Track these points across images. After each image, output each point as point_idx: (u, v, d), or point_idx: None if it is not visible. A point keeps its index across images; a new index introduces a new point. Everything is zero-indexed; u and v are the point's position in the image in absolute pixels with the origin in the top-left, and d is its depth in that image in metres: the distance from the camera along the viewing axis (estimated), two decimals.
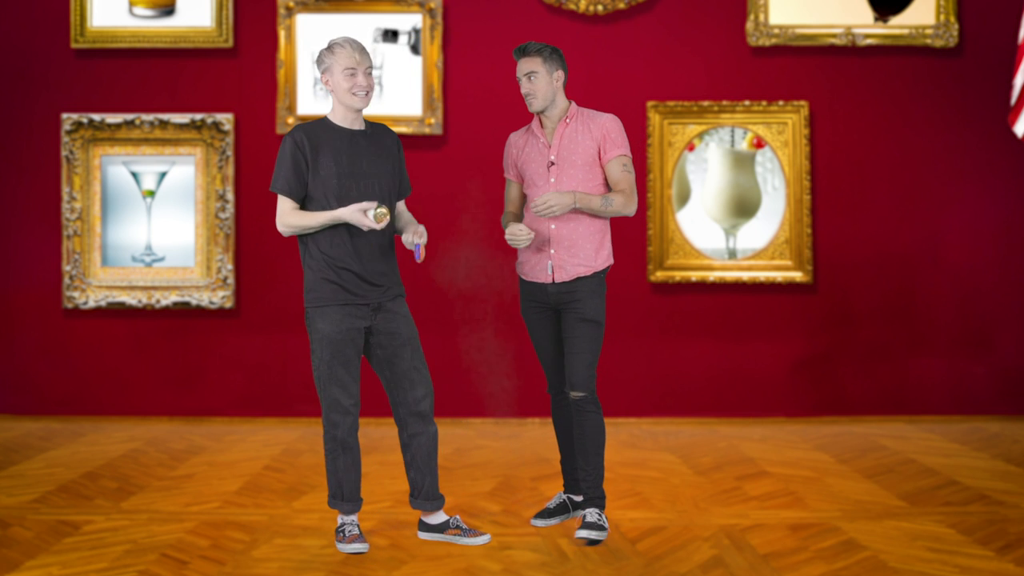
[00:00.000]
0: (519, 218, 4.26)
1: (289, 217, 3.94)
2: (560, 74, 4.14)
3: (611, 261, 4.19)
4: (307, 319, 4.00)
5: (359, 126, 4.02)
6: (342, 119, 4.00)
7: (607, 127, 4.13)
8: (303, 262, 4.02)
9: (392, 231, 4.08)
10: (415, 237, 3.97)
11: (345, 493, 4.01)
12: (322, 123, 4.01)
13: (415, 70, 6.48)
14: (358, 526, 4.03)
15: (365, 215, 3.84)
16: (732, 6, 6.54)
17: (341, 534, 4.00)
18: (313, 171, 3.92)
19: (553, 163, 4.11)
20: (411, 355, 4.03)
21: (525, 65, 4.11)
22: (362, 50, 3.94)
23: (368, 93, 3.95)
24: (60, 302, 6.53)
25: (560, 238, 4.10)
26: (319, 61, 3.97)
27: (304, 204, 3.96)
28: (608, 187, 4.15)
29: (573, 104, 4.19)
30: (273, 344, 6.51)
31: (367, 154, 3.98)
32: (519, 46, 4.15)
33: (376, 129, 4.08)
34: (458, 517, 4.13)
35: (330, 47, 3.95)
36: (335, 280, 3.93)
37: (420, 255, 3.95)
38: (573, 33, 6.45)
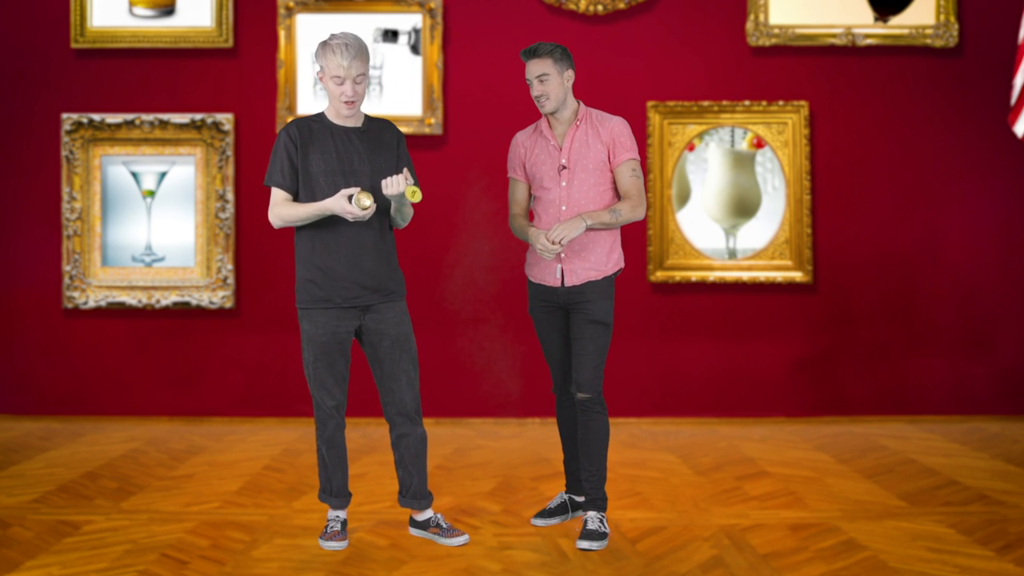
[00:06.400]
0: (526, 218, 4.22)
1: (279, 208, 3.90)
2: (570, 73, 4.09)
3: (622, 264, 4.18)
4: (298, 317, 4.01)
5: (354, 123, 3.96)
6: (336, 115, 3.96)
7: (616, 131, 4.10)
8: (295, 260, 4.01)
9: (384, 229, 4.00)
10: (392, 186, 3.81)
11: (334, 488, 4.08)
12: (317, 118, 3.97)
13: (415, 70, 6.48)
14: (341, 522, 4.08)
15: (348, 202, 3.76)
16: (732, 6, 6.54)
17: (324, 530, 4.07)
18: (303, 167, 3.89)
19: (565, 167, 4.09)
20: (399, 356, 4.00)
21: (536, 67, 4.06)
22: (355, 55, 3.82)
23: (355, 103, 3.88)
24: (60, 302, 6.53)
25: (571, 243, 4.07)
26: (316, 55, 3.91)
27: (295, 200, 3.93)
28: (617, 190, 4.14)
29: (582, 105, 4.16)
30: (273, 344, 6.51)
31: (360, 151, 3.92)
32: (528, 48, 4.09)
33: (374, 125, 4.01)
34: (440, 516, 4.14)
35: (325, 47, 3.85)
36: (320, 283, 3.90)
37: (405, 190, 3.80)
38: (573, 33, 6.45)
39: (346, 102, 3.87)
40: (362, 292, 3.93)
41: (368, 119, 4.02)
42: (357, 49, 3.84)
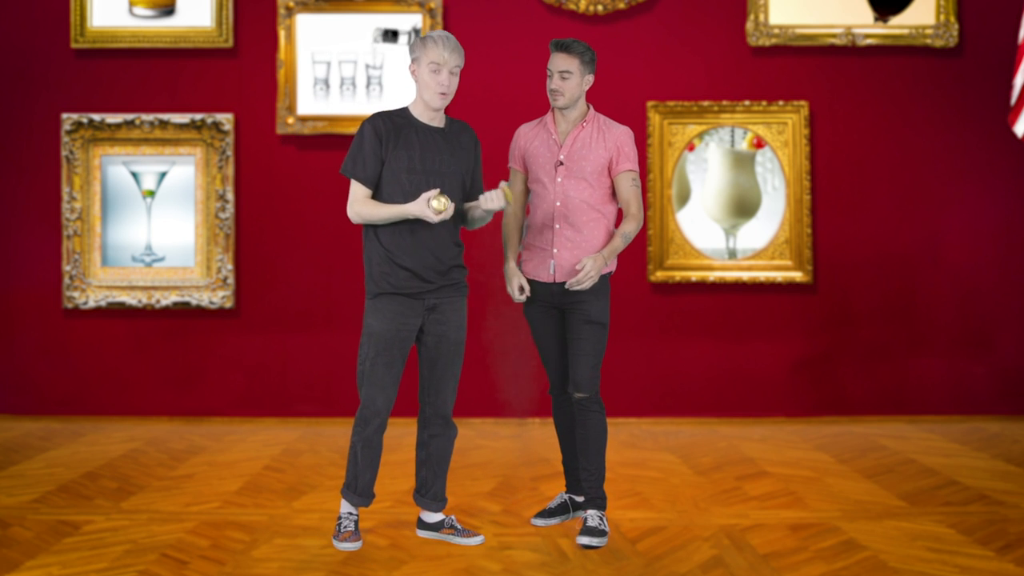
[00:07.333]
0: (518, 214, 4.24)
1: (361, 205, 3.91)
2: (590, 78, 4.11)
3: (613, 268, 4.18)
4: (364, 313, 4.01)
5: (438, 123, 3.99)
6: (422, 113, 3.98)
7: (621, 141, 4.12)
8: (364, 254, 4.01)
9: (456, 227, 4.04)
10: (493, 201, 3.91)
11: (359, 487, 4.05)
12: (402, 113, 3.99)
13: None
14: (355, 522, 4.06)
15: (428, 205, 3.79)
16: (732, 6, 6.54)
17: (337, 529, 4.04)
18: (387, 161, 3.90)
19: (562, 163, 4.11)
20: (454, 360, 4.05)
21: (561, 62, 4.06)
22: (454, 48, 3.89)
23: (448, 95, 3.92)
24: (60, 302, 6.53)
25: (564, 240, 4.10)
26: (411, 49, 3.95)
27: (373, 194, 3.96)
28: (613, 193, 4.16)
29: (592, 109, 4.18)
30: (273, 344, 6.51)
31: (443, 152, 3.96)
32: (561, 40, 4.09)
33: (455, 127, 4.04)
34: (453, 517, 4.16)
35: (424, 40, 3.91)
36: (392, 275, 3.92)
37: (501, 200, 3.90)
38: (573, 33, 6.45)
39: (440, 92, 3.89)
40: (430, 288, 3.94)
41: (449, 120, 4.04)
42: (455, 43, 3.92)
